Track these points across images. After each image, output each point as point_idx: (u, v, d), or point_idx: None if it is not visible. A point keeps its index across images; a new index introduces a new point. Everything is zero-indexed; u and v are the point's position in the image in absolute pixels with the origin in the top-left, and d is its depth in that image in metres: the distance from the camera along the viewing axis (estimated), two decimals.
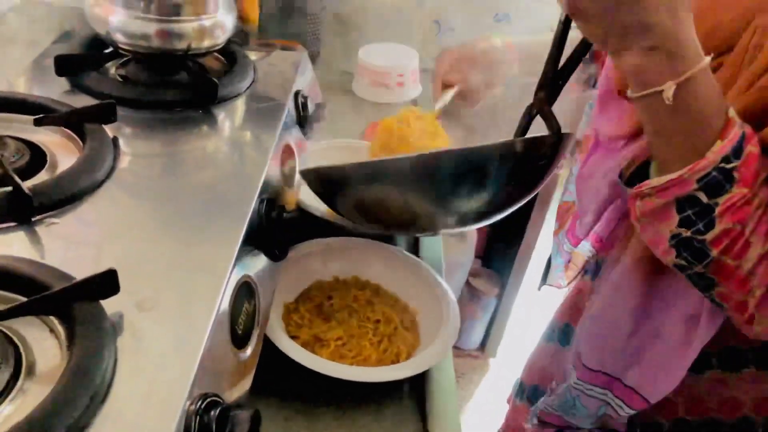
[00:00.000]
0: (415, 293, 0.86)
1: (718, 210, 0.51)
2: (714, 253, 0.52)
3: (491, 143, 0.60)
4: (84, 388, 0.41)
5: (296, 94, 0.88)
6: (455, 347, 1.21)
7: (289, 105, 0.84)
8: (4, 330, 0.46)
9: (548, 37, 0.89)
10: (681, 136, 0.52)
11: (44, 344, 0.47)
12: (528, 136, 0.66)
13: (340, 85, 1.47)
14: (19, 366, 0.44)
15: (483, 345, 2.28)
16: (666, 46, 0.48)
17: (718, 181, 0.50)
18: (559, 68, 0.64)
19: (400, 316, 0.81)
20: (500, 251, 2.13)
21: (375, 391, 0.73)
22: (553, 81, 0.64)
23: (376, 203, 0.66)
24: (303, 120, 0.87)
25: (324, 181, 0.70)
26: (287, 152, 0.79)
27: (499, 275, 2.15)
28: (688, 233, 0.52)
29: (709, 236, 0.52)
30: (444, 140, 0.87)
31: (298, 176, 0.81)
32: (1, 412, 0.42)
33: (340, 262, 0.88)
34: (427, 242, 1.00)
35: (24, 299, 0.47)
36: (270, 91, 0.87)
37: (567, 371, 0.74)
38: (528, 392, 0.91)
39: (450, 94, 0.91)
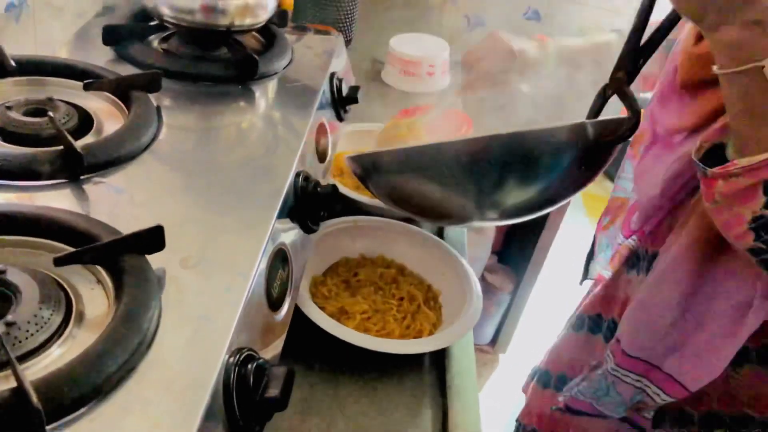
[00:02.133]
0: (439, 274, 0.88)
1: None
2: None
3: (562, 124, 0.57)
4: (132, 332, 0.43)
5: (332, 76, 0.90)
6: None
7: (325, 86, 0.86)
8: (57, 278, 0.49)
9: (585, 41, 0.90)
10: None
11: (92, 294, 0.49)
12: (602, 117, 0.63)
13: (370, 73, 1.49)
14: (70, 312, 0.47)
15: (494, 340, 2.29)
16: None
17: None
18: (640, 45, 0.60)
19: (423, 295, 0.83)
20: (517, 247, 2.14)
21: (397, 363, 0.75)
22: (633, 60, 0.60)
23: (424, 192, 0.63)
24: (337, 101, 0.89)
25: (370, 168, 0.67)
26: (321, 131, 0.81)
27: (514, 272, 2.16)
28: None
29: None
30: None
31: (331, 152, 0.83)
32: (51, 354, 0.44)
33: (367, 241, 0.90)
34: None
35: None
36: (306, 71, 0.89)
37: (603, 358, 0.74)
38: (556, 380, 0.91)
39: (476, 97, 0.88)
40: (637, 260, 0.76)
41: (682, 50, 0.67)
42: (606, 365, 0.73)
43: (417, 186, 0.62)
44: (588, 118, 0.63)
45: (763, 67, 0.48)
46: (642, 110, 0.61)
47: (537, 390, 0.95)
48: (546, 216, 1.91)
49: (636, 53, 0.60)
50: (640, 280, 0.74)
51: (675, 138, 0.69)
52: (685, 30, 0.69)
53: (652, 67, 0.89)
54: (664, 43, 0.82)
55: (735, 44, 0.49)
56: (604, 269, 0.84)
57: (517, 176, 0.58)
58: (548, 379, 0.93)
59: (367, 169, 0.66)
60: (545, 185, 0.59)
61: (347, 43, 1.49)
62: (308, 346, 0.72)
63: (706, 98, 0.65)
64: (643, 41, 0.60)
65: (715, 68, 0.52)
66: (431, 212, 0.68)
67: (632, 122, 0.59)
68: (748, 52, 0.49)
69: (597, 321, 0.82)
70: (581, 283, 0.94)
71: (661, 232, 0.72)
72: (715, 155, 0.56)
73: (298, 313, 0.73)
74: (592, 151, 0.59)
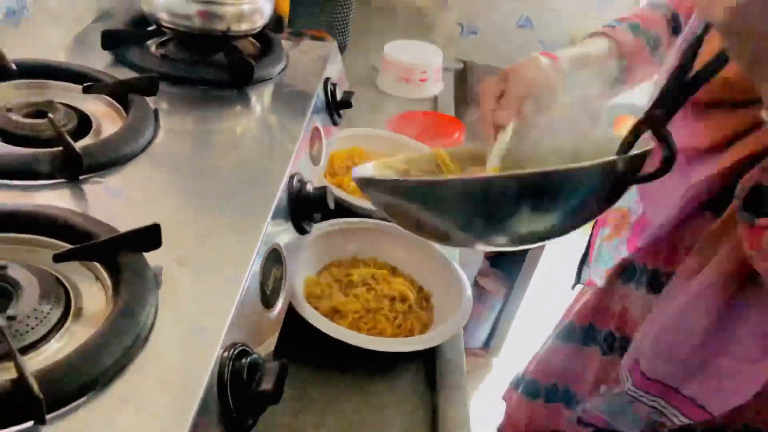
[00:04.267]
0: (430, 276, 0.89)
1: None
2: None
3: (594, 163, 0.55)
4: (130, 327, 0.45)
5: (326, 81, 0.92)
6: None
7: (319, 91, 0.88)
8: (56, 274, 0.50)
9: (587, 47, 0.87)
10: None
11: (91, 290, 0.51)
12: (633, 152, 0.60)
13: (365, 79, 1.51)
14: (69, 307, 0.48)
15: (487, 344, 2.31)
16: None
17: None
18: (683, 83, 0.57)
19: (415, 296, 0.84)
20: (509, 252, 2.15)
21: (388, 362, 0.77)
22: (674, 97, 0.57)
23: (436, 222, 0.63)
24: (332, 106, 0.91)
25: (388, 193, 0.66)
26: (316, 135, 0.83)
27: (506, 276, 2.18)
28: None
29: None
30: None
31: (324, 158, 0.85)
32: (51, 347, 0.45)
33: (360, 242, 0.91)
34: None
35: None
36: (301, 76, 0.90)
37: (599, 369, 0.73)
38: (546, 391, 0.91)
39: (505, 137, 0.77)
40: (633, 273, 0.76)
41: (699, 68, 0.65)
42: (623, 385, 0.72)
43: (431, 216, 0.63)
44: (619, 151, 0.61)
45: None
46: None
47: (522, 400, 0.95)
48: None
49: (679, 91, 0.57)
50: (640, 295, 0.74)
51: (690, 155, 0.68)
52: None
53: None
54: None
55: None
56: (597, 276, 0.84)
57: (540, 212, 0.58)
58: (537, 390, 0.92)
59: (383, 193, 0.66)
60: (564, 219, 0.59)
61: (342, 49, 1.51)
62: (301, 344, 0.74)
63: (722, 119, 0.65)
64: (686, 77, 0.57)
65: (764, 115, 0.52)
66: (435, 236, 0.69)
67: (669, 163, 0.57)
68: None
69: (590, 332, 0.81)
70: (573, 287, 0.95)
71: (661, 248, 0.72)
72: (756, 197, 0.55)
73: (291, 313, 0.74)
74: (620, 187, 0.59)
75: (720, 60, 0.55)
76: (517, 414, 0.98)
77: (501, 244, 0.64)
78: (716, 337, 0.64)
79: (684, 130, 0.66)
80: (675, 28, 0.87)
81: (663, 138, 0.57)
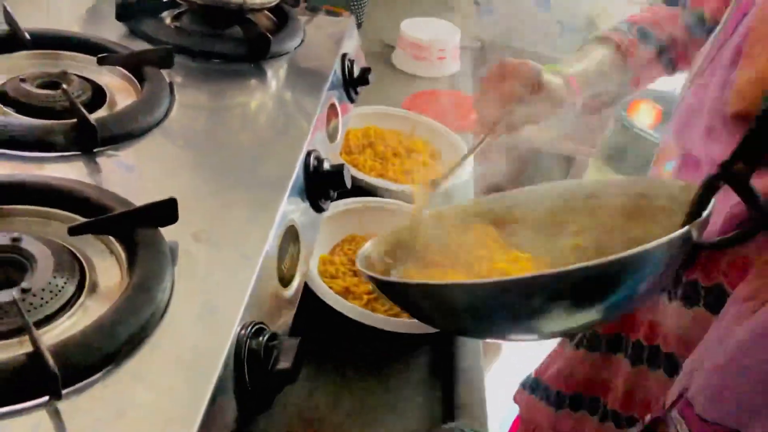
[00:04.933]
0: None
1: None
2: None
3: (664, 241, 0.47)
4: (146, 302, 0.44)
5: (343, 56, 0.90)
6: None
7: (336, 66, 0.86)
8: (71, 248, 0.49)
9: (603, 62, 0.84)
10: None
11: (105, 264, 0.50)
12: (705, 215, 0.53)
13: (381, 56, 1.49)
14: (83, 282, 0.47)
15: None
16: None
17: None
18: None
19: None
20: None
21: (404, 343, 0.76)
22: (758, 147, 0.49)
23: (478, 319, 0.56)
24: (348, 82, 0.89)
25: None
26: (332, 111, 0.81)
27: None
28: None
29: None
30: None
31: (340, 135, 0.83)
32: (65, 322, 0.44)
33: (375, 223, 0.90)
34: None
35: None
36: (318, 52, 0.89)
37: (672, 416, 0.63)
38: (570, 401, 0.86)
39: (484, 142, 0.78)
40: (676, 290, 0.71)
41: (741, 82, 0.60)
42: (677, 426, 0.63)
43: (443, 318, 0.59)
44: (690, 212, 0.53)
45: None
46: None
47: (541, 406, 0.90)
48: None
49: (764, 138, 0.49)
50: (674, 307, 0.68)
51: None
52: (725, 56, 0.64)
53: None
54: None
55: None
56: None
57: (581, 308, 0.51)
58: (561, 401, 0.88)
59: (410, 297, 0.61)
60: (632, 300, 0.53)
61: (358, 26, 1.49)
62: (316, 324, 0.73)
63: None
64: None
65: None
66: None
67: (759, 225, 0.50)
68: None
69: (616, 341, 0.77)
70: None
71: (700, 261, 0.65)
72: None
73: (305, 291, 0.73)
74: (694, 254, 0.52)
75: None
76: (536, 419, 0.93)
77: (530, 339, 0.58)
78: None
79: (723, 144, 0.61)
80: (696, 29, 0.83)
81: (748, 195, 0.50)
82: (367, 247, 0.72)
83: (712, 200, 0.53)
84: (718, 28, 0.68)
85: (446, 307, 0.55)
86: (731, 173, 0.50)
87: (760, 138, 0.48)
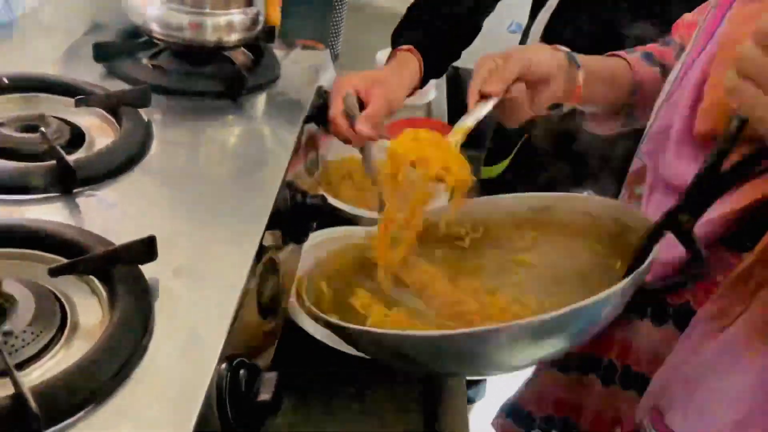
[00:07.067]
0: None
1: None
2: None
3: (617, 288, 0.49)
4: (127, 340, 0.45)
5: (319, 89, 0.92)
6: None
7: (313, 99, 0.88)
8: (52, 289, 0.50)
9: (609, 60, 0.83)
10: None
11: (87, 304, 0.50)
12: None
13: None
14: (65, 322, 0.48)
15: None
16: None
17: None
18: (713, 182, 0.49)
19: None
20: None
21: (389, 371, 0.76)
22: (703, 195, 0.50)
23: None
24: (326, 114, 0.91)
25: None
26: (310, 143, 0.83)
27: None
28: None
29: None
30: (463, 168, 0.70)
31: (319, 166, 0.85)
32: (47, 362, 0.45)
33: None
34: None
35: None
36: (295, 85, 0.91)
37: (642, 424, 0.64)
38: (540, 423, 0.87)
39: (485, 107, 0.73)
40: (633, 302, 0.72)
41: (708, 102, 0.61)
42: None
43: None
44: (633, 257, 0.55)
45: None
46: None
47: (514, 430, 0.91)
48: None
49: (708, 191, 0.49)
50: (645, 326, 0.68)
51: (676, 187, 0.63)
52: (692, 76, 0.65)
53: None
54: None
55: None
56: None
57: (563, 342, 0.55)
58: (531, 422, 0.88)
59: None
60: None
61: (334, 58, 1.51)
62: (299, 353, 0.73)
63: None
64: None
65: None
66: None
67: (698, 270, 0.52)
68: None
69: (589, 361, 0.77)
70: None
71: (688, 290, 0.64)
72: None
73: (289, 322, 0.74)
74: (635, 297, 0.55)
75: (756, 158, 0.48)
76: None
77: (486, 374, 0.62)
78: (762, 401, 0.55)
79: (690, 163, 0.61)
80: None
81: (691, 246, 0.51)
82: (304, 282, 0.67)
83: (655, 248, 0.54)
84: (687, 48, 0.70)
85: (397, 355, 0.57)
86: (678, 222, 0.51)
87: (705, 188, 0.49)
